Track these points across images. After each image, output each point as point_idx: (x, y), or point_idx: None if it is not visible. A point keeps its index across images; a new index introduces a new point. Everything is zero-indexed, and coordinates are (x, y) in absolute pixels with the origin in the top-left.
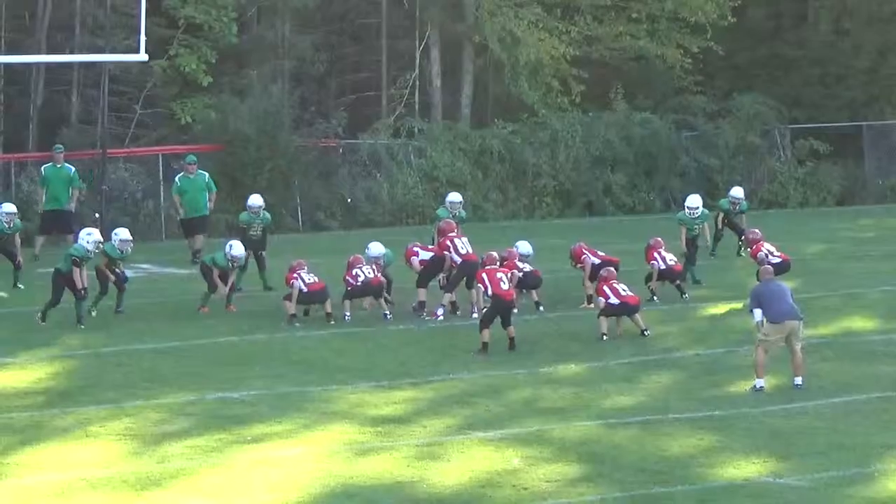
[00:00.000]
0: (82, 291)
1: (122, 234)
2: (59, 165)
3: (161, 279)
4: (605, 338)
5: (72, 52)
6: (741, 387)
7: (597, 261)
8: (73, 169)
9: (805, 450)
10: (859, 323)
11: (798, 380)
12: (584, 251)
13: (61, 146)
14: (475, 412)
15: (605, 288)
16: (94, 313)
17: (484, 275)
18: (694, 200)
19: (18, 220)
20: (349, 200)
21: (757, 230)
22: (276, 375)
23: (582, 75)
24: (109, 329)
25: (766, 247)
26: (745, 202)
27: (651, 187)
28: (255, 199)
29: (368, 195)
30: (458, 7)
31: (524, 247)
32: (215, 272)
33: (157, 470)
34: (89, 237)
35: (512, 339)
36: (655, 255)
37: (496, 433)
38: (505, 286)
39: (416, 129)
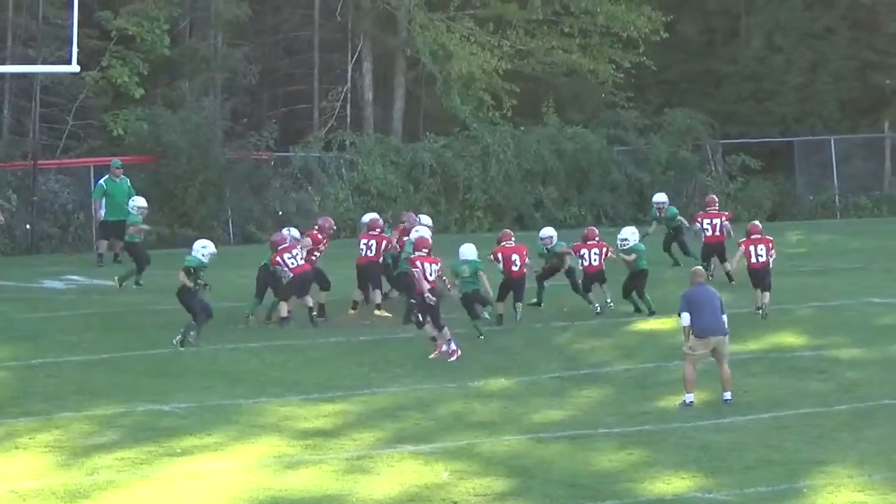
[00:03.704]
0: (200, 288)
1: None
2: None
3: (92, 290)
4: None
5: (3, 63)
6: (671, 401)
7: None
8: None
9: (734, 465)
10: (789, 339)
11: (727, 395)
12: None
13: None
14: (405, 426)
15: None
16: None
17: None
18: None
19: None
20: (280, 213)
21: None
22: (206, 388)
23: (514, 89)
24: (39, 340)
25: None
26: (672, 208)
27: (582, 202)
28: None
29: (300, 208)
30: (391, 21)
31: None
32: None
33: (86, 482)
34: (204, 249)
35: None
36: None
37: (426, 447)
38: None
39: (347, 142)
